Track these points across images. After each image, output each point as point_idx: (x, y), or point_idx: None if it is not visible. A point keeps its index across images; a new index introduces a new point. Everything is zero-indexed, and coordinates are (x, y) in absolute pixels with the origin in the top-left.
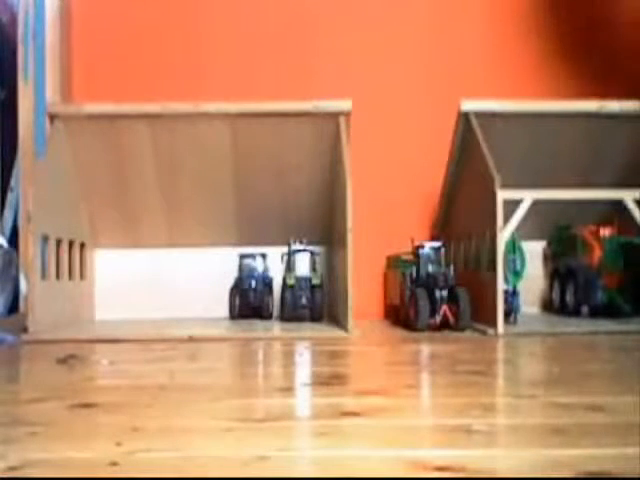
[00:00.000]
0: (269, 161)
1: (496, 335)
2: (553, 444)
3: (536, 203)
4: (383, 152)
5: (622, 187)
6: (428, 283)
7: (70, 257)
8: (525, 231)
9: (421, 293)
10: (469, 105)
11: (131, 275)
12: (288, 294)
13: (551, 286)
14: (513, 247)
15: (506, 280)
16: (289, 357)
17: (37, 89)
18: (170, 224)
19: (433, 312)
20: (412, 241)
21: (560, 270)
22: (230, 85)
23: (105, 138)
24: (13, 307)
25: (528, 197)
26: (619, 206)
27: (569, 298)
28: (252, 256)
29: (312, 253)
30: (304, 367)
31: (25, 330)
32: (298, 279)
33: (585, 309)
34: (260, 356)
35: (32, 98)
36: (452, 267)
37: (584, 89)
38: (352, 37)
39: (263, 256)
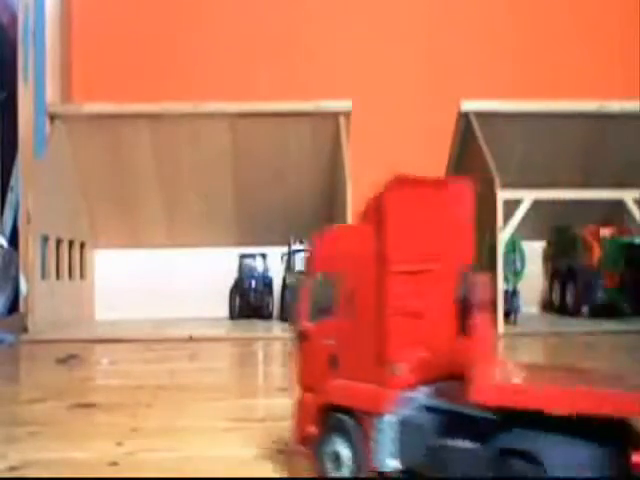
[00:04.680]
0: (269, 161)
1: (496, 335)
2: None
3: (536, 203)
4: (383, 152)
5: (622, 187)
6: None
7: (70, 257)
8: (525, 231)
9: None
10: (469, 105)
11: (131, 275)
12: (288, 294)
13: (551, 286)
14: (513, 247)
15: (506, 280)
16: (289, 357)
17: (37, 89)
18: (170, 224)
19: None
20: None
21: (560, 270)
22: (230, 85)
23: (105, 138)
24: (13, 307)
25: (528, 197)
26: (619, 206)
27: (569, 298)
28: (252, 256)
29: None
30: None
31: (25, 330)
32: (298, 279)
33: (585, 309)
34: (260, 356)
35: (32, 98)
36: None
37: (584, 89)
38: (352, 37)
39: (263, 256)
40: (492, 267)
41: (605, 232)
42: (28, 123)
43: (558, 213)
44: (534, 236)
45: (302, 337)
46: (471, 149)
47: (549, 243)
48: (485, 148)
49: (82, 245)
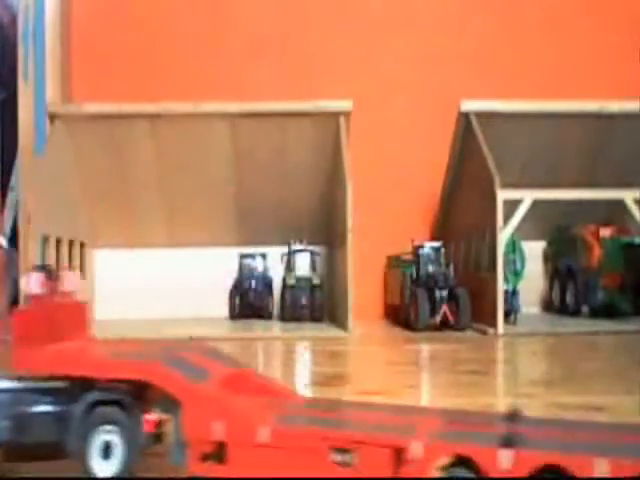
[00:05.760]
0: (269, 161)
1: (496, 335)
2: None
3: (536, 203)
4: (383, 152)
5: (622, 187)
6: (428, 283)
7: (70, 257)
8: (525, 231)
9: (421, 293)
10: (469, 105)
11: (131, 275)
12: (288, 294)
13: (551, 286)
14: (513, 247)
15: (506, 280)
16: (289, 357)
17: (37, 89)
18: (170, 224)
19: (433, 312)
20: (412, 241)
21: (560, 270)
22: (230, 85)
23: (105, 138)
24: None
25: (528, 197)
26: (619, 206)
27: (569, 298)
28: (252, 256)
29: (312, 253)
30: (304, 367)
31: None
32: (298, 279)
33: (585, 309)
34: (260, 356)
35: (32, 98)
36: (452, 267)
37: (585, 89)
38: (352, 37)
39: (263, 256)
40: (492, 267)
41: (605, 232)
42: (28, 123)
43: (558, 213)
44: (534, 236)
45: None
46: (471, 149)
47: (549, 243)
48: (485, 148)
49: (82, 245)
